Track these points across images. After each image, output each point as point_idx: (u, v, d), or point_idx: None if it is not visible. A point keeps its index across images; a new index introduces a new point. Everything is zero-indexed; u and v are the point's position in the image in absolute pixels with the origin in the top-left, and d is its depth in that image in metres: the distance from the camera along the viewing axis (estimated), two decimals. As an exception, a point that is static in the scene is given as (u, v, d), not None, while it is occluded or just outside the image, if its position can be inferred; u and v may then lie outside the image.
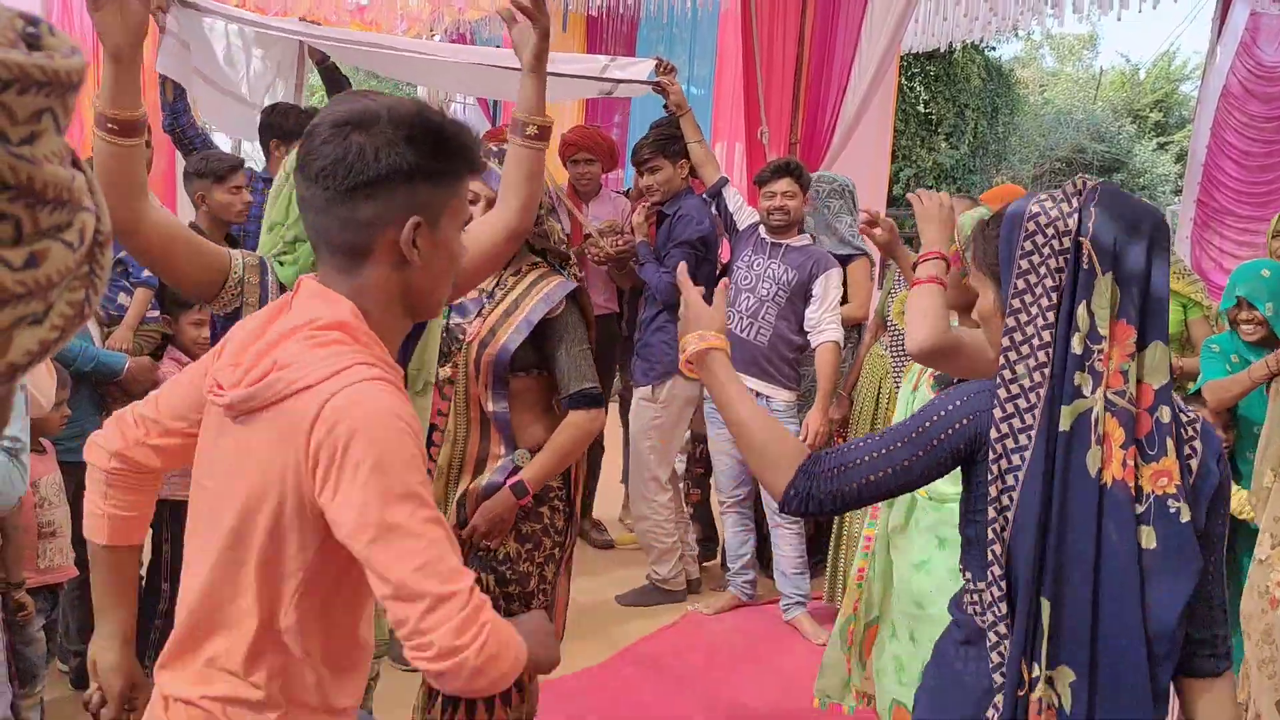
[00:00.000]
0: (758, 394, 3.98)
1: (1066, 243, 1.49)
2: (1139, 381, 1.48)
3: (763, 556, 4.52)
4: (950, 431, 1.55)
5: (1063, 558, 1.46)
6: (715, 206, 4.35)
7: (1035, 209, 1.52)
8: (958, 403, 1.57)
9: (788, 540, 4.18)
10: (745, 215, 4.28)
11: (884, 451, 1.56)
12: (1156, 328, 1.48)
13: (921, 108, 14.76)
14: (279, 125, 4.15)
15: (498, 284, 2.56)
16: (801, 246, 4.10)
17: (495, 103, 8.68)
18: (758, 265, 4.07)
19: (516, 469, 2.51)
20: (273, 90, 5.28)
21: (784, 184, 4.08)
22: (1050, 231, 1.50)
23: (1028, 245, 1.51)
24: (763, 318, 4.04)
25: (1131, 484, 1.46)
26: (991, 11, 7.34)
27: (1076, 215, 1.49)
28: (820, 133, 5.39)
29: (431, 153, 1.35)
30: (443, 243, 1.40)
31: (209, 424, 1.43)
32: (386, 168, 1.32)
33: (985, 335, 1.73)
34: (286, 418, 1.29)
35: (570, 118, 7.73)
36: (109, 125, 1.67)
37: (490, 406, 2.53)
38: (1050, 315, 1.48)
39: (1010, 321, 1.52)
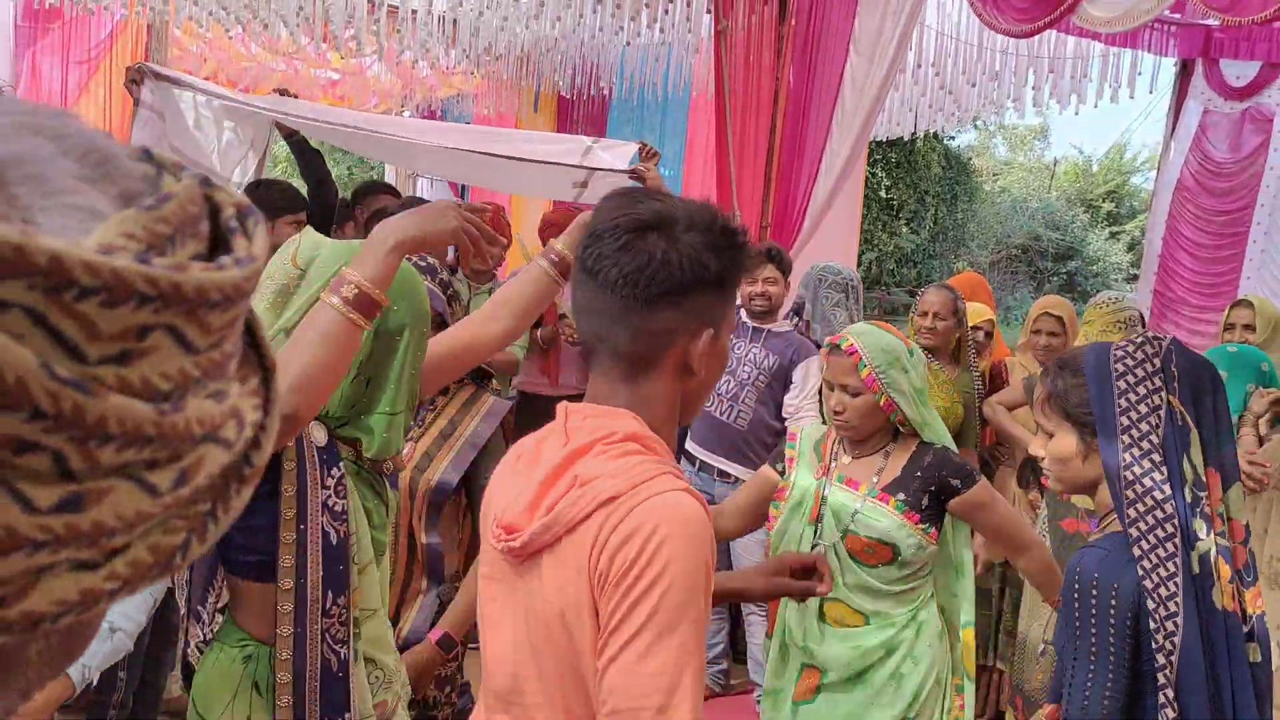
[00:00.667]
0: (735, 478, 3.95)
1: (1158, 400, 1.66)
2: (1229, 519, 1.68)
3: (736, 645, 4.44)
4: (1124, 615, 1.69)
5: (1217, 686, 1.63)
6: None
7: (1120, 367, 1.68)
8: (1109, 585, 1.70)
9: (761, 628, 4.12)
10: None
11: (1108, 683, 1.69)
12: (1232, 470, 1.69)
13: (884, 193, 15.08)
14: (266, 200, 4.12)
15: (426, 404, 2.39)
16: (783, 332, 4.11)
17: (464, 185, 8.73)
18: (738, 349, 4.07)
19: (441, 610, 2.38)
20: (244, 163, 5.26)
21: (767, 271, 4.10)
22: (1141, 390, 1.67)
23: (1123, 403, 1.67)
24: (742, 401, 4.03)
25: (1237, 610, 1.65)
26: (955, 103, 7.53)
27: (1161, 375, 1.66)
28: (791, 217, 5.45)
29: (730, 260, 1.28)
30: (721, 351, 1.34)
31: (486, 562, 1.39)
32: (691, 276, 1.24)
33: (1053, 473, 1.87)
34: (586, 534, 1.21)
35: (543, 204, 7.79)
36: (354, 293, 1.55)
37: (425, 538, 2.39)
38: (1162, 470, 1.65)
39: (1128, 475, 1.66)
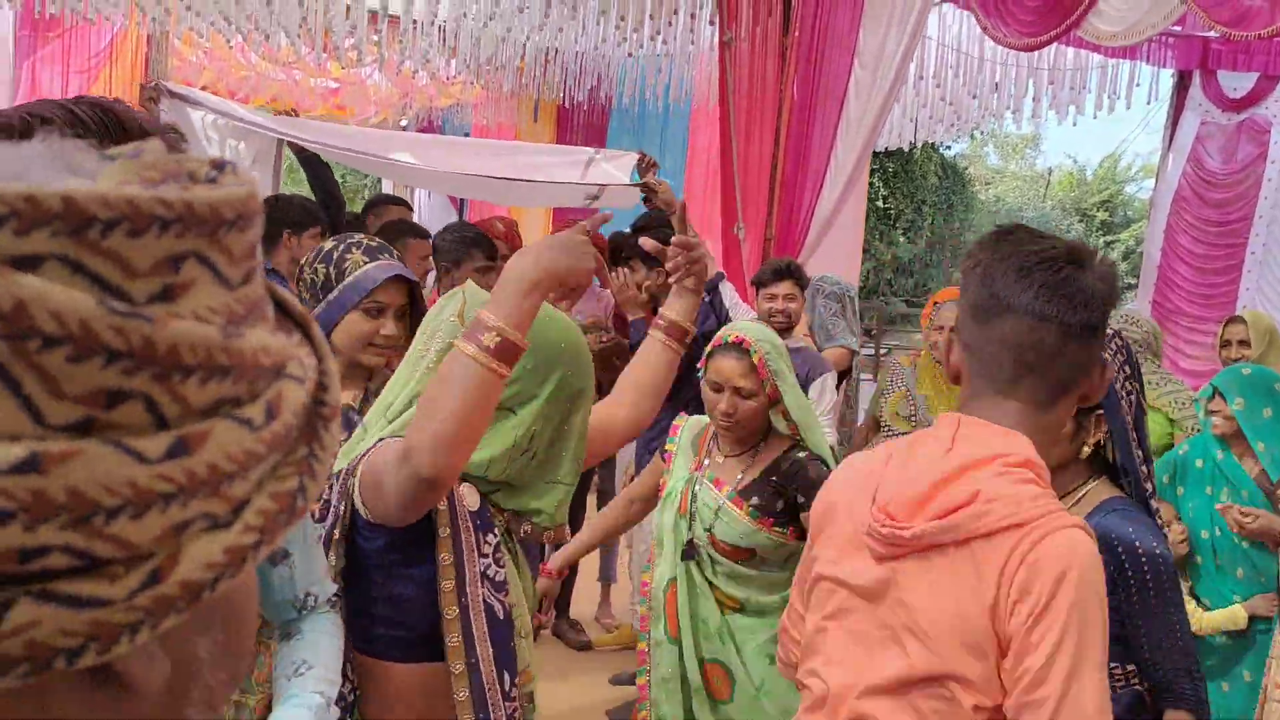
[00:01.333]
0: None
1: (1131, 387, 1.95)
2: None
3: None
4: None
5: None
6: (710, 302, 4.34)
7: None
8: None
9: None
10: (741, 312, 4.26)
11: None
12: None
13: (881, 203, 15.11)
14: (286, 215, 4.14)
15: None
16: (798, 348, 4.09)
17: (463, 200, 8.73)
18: (755, 365, 4.06)
19: None
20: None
21: (784, 286, 4.07)
22: (1119, 381, 1.92)
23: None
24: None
25: None
26: (955, 114, 7.55)
27: (1129, 366, 1.95)
28: (795, 229, 5.45)
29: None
30: (1107, 381, 1.45)
31: (835, 555, 1.44)
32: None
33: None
34: (987, 551, 1.28)
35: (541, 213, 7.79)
36: (496, 341, 1.43)
37: None
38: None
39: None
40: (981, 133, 19.78)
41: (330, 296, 2.02)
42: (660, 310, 1.92)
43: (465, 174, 4.51)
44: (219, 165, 0.48)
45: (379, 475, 1.50)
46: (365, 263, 2.04)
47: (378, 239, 2.14)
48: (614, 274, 4.38)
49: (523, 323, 1.44)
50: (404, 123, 10.07)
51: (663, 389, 1.89)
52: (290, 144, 5.09)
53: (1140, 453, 1.93)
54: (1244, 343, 4.24)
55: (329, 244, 2.10)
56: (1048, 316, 1.33)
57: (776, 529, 2.44)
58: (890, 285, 15.40)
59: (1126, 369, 1.93)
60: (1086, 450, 1.96)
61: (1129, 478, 1.94)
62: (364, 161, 4.99)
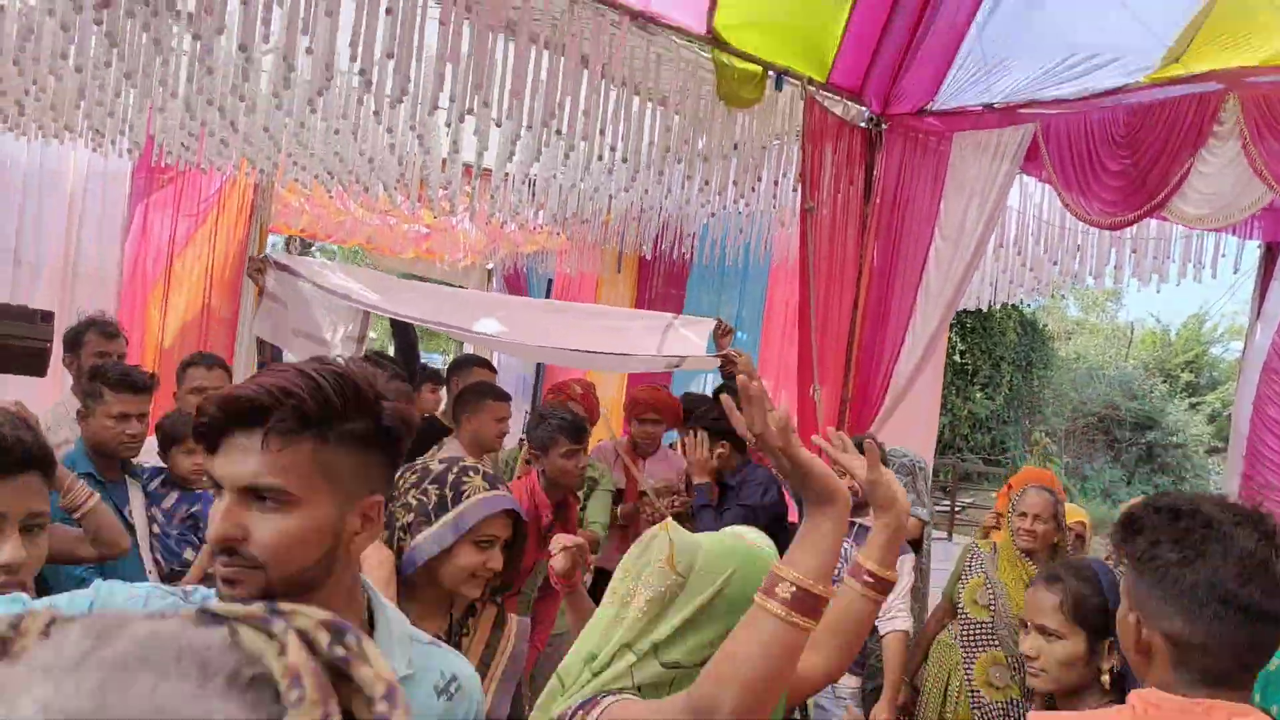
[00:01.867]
0: (827, 678, 3.84)
1: None
2: None
3: None
4: None
5: None
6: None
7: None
8: None
9: None
10: None
11: None
12: None
13: (958, 358, 15.02)
14: None
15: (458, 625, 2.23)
16: (869, 527, 4.03)
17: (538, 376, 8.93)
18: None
19: None
20: (334, 328, 5.45)
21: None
22: None
23: None
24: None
25: None
26: (1035, 278, 7.54)
27: None
28: (873, 393, 5.44)
29: None
30: None
31: None
32: None
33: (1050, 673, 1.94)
34: None
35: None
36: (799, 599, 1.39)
37: None
38: None
39: None
40: (1062, 292, 19.76)
41: (445, 518, 1.98)
42: (858, 559, 1.82)
43: (547, 346, 4.62)
44: (390, 696, 0.49)
45: None
46: (485, 489, 2.02)
47: (491, 473, 2.11)
48: (686, 436, 4.41)
49: (824, 572, 1.41)
50: (490, 266, 10.38)
51: (860, 638, 1.81)
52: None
53: None
54: None
55: (438, 465, 2.07)
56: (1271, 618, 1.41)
57: None
58: (967, 441, 15.17)
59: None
60: (1105, 676, 1.98)
61: None
62: (451, 331, 5.14)
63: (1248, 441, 7.32)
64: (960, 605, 3.93)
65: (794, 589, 1.37)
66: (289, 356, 4.69)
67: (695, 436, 4.17)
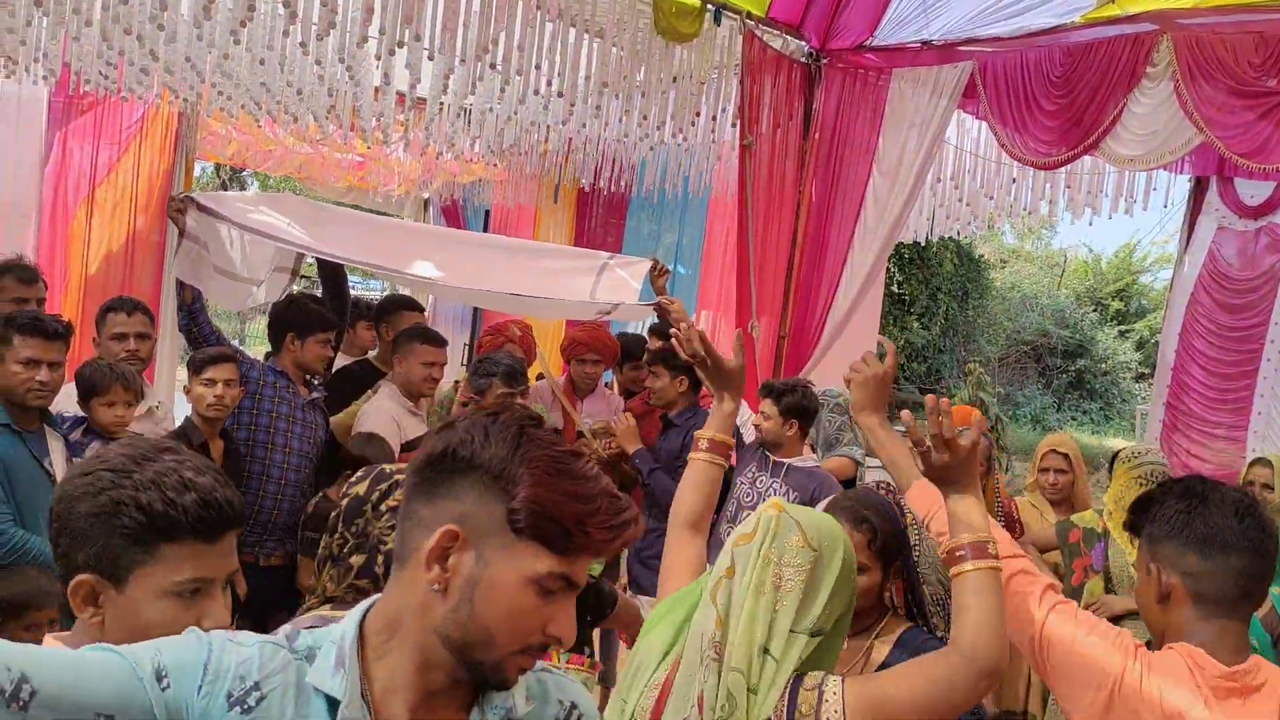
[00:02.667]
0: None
1: None
2: None
3: None
4: None
5: None
6: None
7: None
8: None
9: None
10: (751, 429, 4.28)
11: None
12: None
13: (895, 288, 15.14)
14: (298, 320, 4.21)
15: None
16: (805, 467, 4.07)
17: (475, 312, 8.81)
18: (760, 483, 4.04)
19: None
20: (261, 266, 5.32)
21: (764, 405, 4.10)
22: None
23: None
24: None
25: None
26: (971, 213, 7.59)
27: None
28: (810, 327, 5.48)
29: None
30: None
31: None
32: None
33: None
34: None
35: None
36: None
37: None
38: None
39: None
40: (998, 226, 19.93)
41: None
42: (697, 434, 2.15)
43: (481, 290, 4.54)
44: None
45: (939, 686, 1.71)
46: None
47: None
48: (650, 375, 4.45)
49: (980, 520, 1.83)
50: (426, 196, 10.19)
51: (714, 505, 2.15)
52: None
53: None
54: (1268, 486, 4.22)
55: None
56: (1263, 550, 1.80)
57: None
58: (903, 371, 15.39)
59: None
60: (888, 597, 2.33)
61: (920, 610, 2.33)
62: (384, 274, 5.05)
63: (1173, 371, 7.51)
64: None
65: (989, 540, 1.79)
66: (210, 293, 4.60)
67: (655, 370, 4.27)
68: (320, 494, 4.18)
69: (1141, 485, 3.88)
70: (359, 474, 1.82)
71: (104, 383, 3.40)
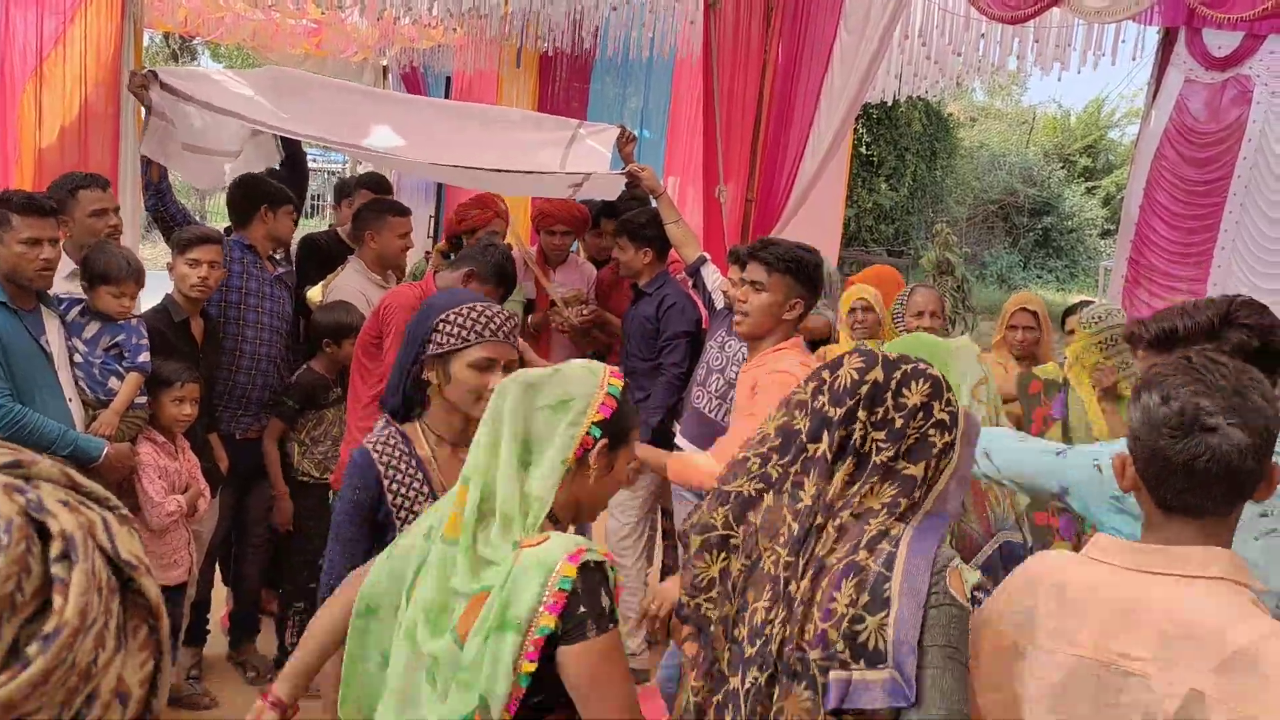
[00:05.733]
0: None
1: None
2: None
3: None
4: None
5: None
6: (694, 286, 4.38)
7: None
8: None
9: None
10: (722, 294, 4.30)
11: None
12: None
13: (864, 149, 15.04)
14: (263, 193, 4.19)
15: None
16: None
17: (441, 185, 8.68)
18: (729, 347, 4.08)
19: None
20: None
21: (732, 271, 4.12)
22: None
23: None
24: (731, 399, 4.05)
25: None
26: (939, 71, 7.52)
27: None
28: (777, 192, 5.46)
29: None
30: None
31: None
32: None
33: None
34: None
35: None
36: None
37: None
38: None
39: None
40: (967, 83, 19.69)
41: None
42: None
43: (448, 165, 4.47)
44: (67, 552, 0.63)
45: None
46: None
47: None
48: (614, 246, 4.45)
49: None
50: (384, 63, 9.94)
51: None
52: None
53: None
54: None
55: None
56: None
57: None
58: (871, 233, 15.40)
59: None
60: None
61: None
62: (349, 151, 4.95)
63: (1137, 226, 7.58)
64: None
65: None
66: (177, 170, 4.53)
67: (620, 244, 4.27)
68: (304, 365, 4.24)
69: (1102, 348, 3.97)
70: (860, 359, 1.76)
71: (119, 274, 3.42)
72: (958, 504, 1.74)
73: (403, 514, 2.24)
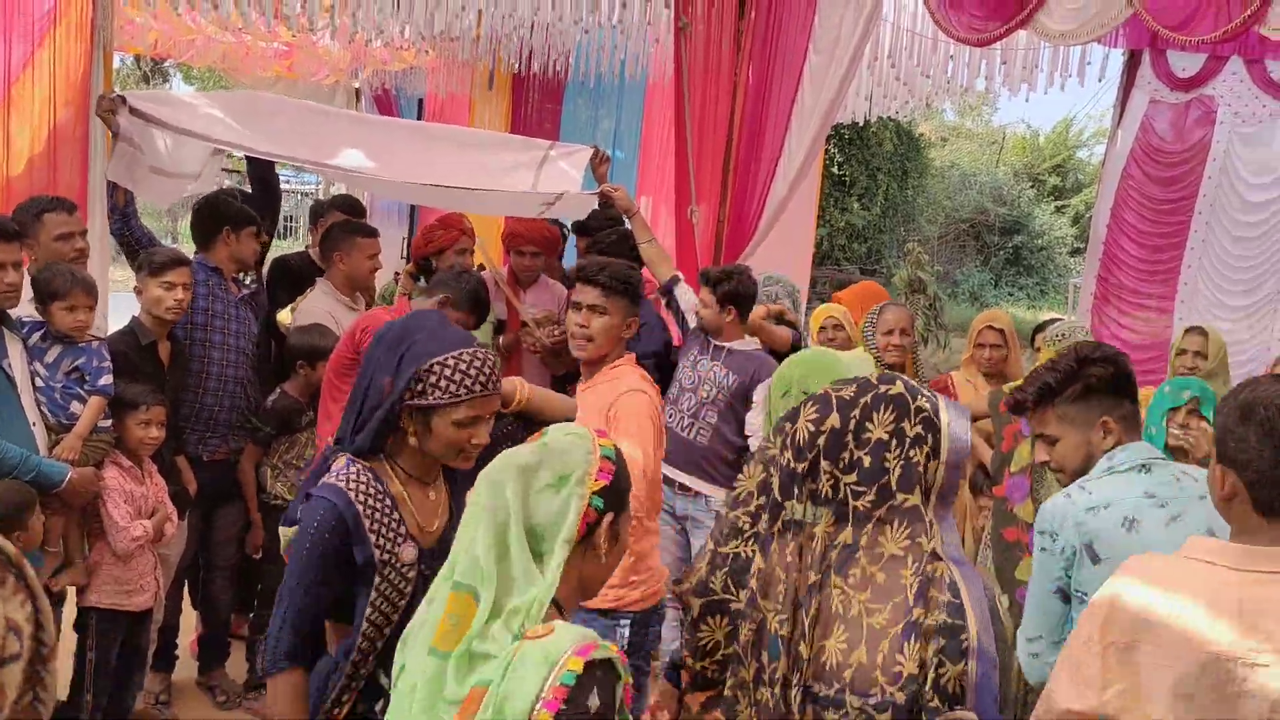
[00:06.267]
0: (696, 492, 4.02)
1: None
2: None
3: None
4: None
5: None
6: (667, 305, 4.38)
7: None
8: None
9: None
10: (694, 316, 4.32)
11: None
12: None
13: (835, 169, 15.14)
14: (227, 214, 4.17)
15: None
16: (745, 350, 4.14)
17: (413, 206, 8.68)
18: (701, 366, 4.10)
19: None
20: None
21: (704, 293, 4.15)
22: None
23: None
24: (703, 419, 4.06)
25: None
26: (909, 92, 7.59)
27: None
28: (749, 211, 5.48)
29: None
30: None
31: None
32: None
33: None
34: None
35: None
36: None
37: None
38: None
39: None
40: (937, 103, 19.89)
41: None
42: None
43: (419, 184, 4.46)
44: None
45: None
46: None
47: None
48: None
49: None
50: (357, 85, 9.93)
51: None
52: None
53: None
54: (1200, 354, 4.38)
55: None
56: None
57: None
58: (844, 251, 15.50)
59: None
60: None
61: None
62: (320, 170, 4.93)
63: (1105, 244, 7.67)
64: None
65: None
66: (143, 194, 4.51)
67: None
68: (278, 390, 4.22)
69: None
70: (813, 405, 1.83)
71: (65, 287, 3.38)
72: (954, 494, 1.79)
73: (385, 556, 2.06)
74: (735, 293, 4.09)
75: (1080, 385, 2.33)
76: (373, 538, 2.05)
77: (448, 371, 2.05)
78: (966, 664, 1.62)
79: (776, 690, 1.68)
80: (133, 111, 4.20)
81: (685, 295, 4.31)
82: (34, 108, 6.44)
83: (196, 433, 4.07)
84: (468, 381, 2.06)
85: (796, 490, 1.73)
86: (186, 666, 4.31)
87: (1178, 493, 2.24)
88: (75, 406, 3.42)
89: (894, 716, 1.65)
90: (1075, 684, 1.72)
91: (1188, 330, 4.63)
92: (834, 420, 1.73)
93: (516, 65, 7.67)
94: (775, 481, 1.75)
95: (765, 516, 1.76)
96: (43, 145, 6.46)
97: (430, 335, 2.12)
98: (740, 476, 1.85)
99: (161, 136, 4.36)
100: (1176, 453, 3.42)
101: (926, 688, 1.62)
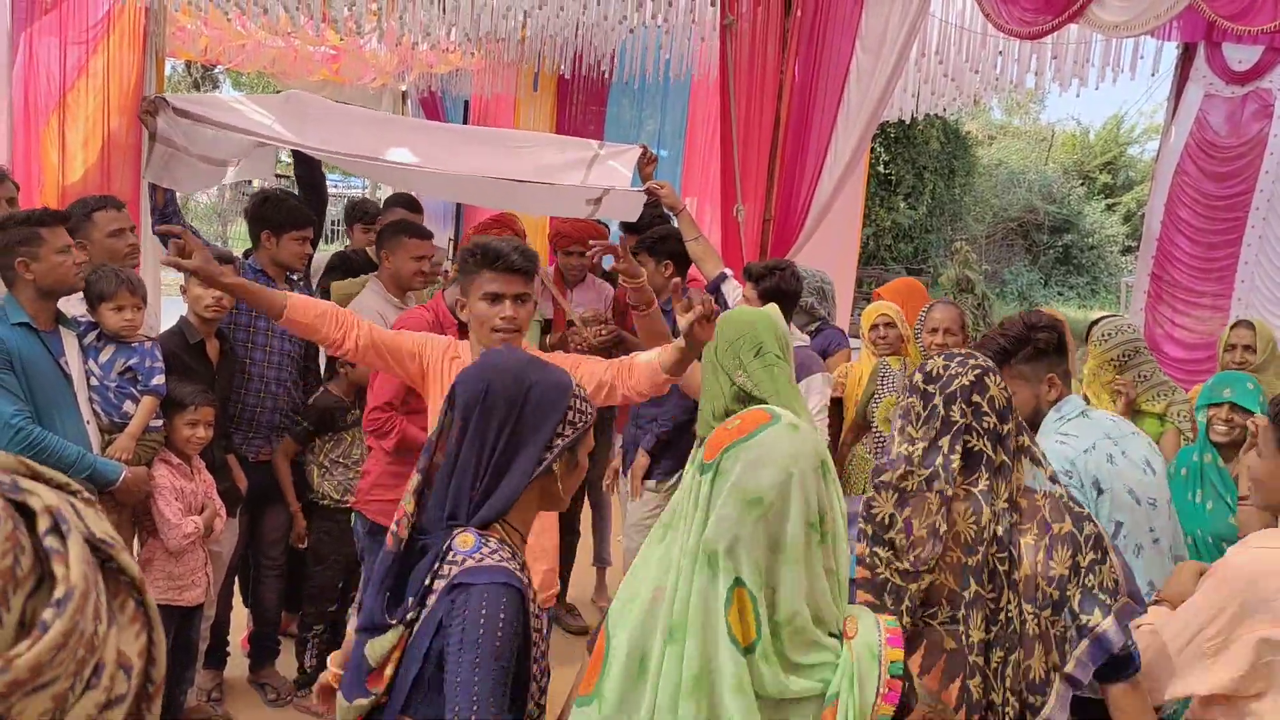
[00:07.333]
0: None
1: None
2: None
3: None
4: None
5: None
6: (715, 300, 4.36)
7: None
8: None
9: None
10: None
11: None
12: None
13: (881, 168, 15.03)
14: (273, 217, 4.15)
15: None
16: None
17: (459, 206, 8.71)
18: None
19: None
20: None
21: (747, 289, 4.11)
22: None
23: None
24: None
25: None
26: (956, 88, 7.50)
27: None
28: (795, 211, 5.45)
29: None
30: None
31: None
32: None
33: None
34: None
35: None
36: None
37: None
38: None
39: None
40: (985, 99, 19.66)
41: None
42: None
43: (471, 176, 4.44)
44: (57, 524, 0.65)
45: None
46: None
47: None
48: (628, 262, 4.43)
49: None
50: (404, 88, 10.02)
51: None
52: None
53: None
54: (1249, 348, 4.29)
55: None
56: None
57: None
58: (890, 251, 15.36)
59: None
60: None
61: None
62: (368, 169, 4.95)
63: (1158, 241, 7.53)
64: (874, 424, 4.07)
65: None
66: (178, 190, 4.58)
67: (640, 259, 4.25)
68: (321, 389, 4.24)
69: (1115, 365, 3.95)
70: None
71: (111, 288, 3.44)
72: None
73: (537, 624, 1.86)
74: (775, 289, 4.05)
75: (1030, 348, 2.69)
76: (533, 607, 1.85)
77: (578, 403, 1.96)
78: (1109, 559, 2.04)
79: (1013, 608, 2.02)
80: (176, 111, 4.23)
81: (733, 291, 4.29)
82: (88, 113, 6.58)
83: (240, 433, 4.09)
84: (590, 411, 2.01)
85: (1002, 446, 2.09)
86: (238, 664, 4.35)
87: (1114, 431, 2.70)
88: (128, 406, 3.46)
89: (1054, 612, 2.02)
90: (1215, 671, 2.03)
91: (1236, 324, 4.54)
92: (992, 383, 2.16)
93: (561, 66, 7.68)
94: (985, 443, 2.08)
95: (984, 473, 2.06)
96: (96, 154, 6.60)
97: (533, 369, 1.98)
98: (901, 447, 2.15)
99: (206, 129, 4.40)
100: (1224, 447, 3.41)
101: (1081, 583, 2.03)
